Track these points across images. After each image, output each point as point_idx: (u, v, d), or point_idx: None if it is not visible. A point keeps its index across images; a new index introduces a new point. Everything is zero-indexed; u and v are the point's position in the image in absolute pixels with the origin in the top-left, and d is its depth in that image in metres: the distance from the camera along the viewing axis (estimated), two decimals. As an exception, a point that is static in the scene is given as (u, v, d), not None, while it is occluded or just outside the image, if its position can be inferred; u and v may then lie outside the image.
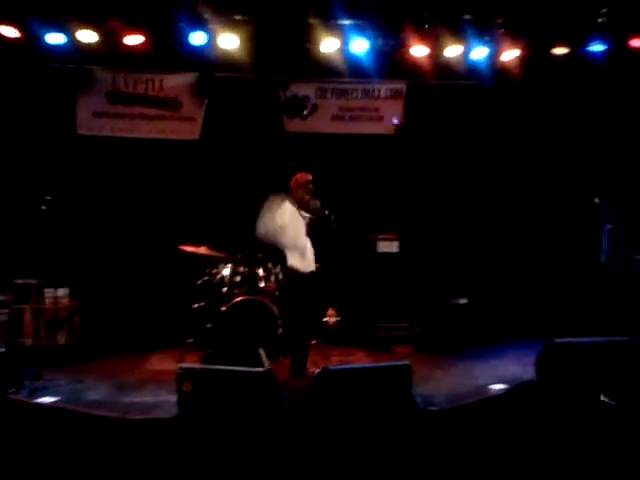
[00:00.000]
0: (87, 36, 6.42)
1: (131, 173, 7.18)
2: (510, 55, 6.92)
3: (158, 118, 7.17)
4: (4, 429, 3.97)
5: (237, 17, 6.57)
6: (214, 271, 6.26)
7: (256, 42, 6.72)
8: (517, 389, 3.99)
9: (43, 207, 5.74)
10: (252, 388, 3.78)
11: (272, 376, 3.83)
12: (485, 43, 6.82)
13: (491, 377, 5.33)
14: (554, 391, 3.71)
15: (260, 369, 3.96)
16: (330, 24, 6.63)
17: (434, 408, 4.36)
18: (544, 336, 4.22)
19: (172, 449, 3.73)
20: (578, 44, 6.83)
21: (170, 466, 3.66)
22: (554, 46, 6.85)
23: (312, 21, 6.64)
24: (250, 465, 3.58)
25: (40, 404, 4.63)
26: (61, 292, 6.36)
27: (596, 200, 6.42)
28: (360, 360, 6.13)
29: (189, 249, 6.22)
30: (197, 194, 7.21)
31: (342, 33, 6.67)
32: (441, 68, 7.11)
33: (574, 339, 4.01)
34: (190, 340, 6.16)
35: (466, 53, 6.89)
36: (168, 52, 6.82)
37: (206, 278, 6.27)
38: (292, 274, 5.46)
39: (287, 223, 5.38)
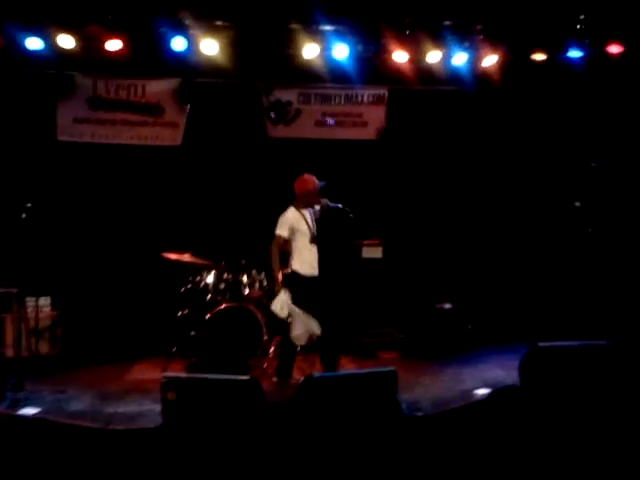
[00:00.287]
0: (67, 41, 6.38)
1: (113, 180, 7.12)
2: (490, 61, 7.00)
3: (140, 124, 7.12)
4: (-14, 442, 3.91)
5: (218, 23, 6.57)
6: (198, 279, 6.23)
7: (238, 48, 6.73)
8: (500, 393, 4.01)
9: (23, 215, 5.67)
10: (237, 396, 3.76)
11: (257, 384, 3.81)
12: (465, 49, 6.90)
13: (476, 382, 5.38)
14: (537, 395, 3.74)
15: (244, 377, 3.95)
16: (311, 30, 6.66)
17: (420, 413, 4.37)
18: (529, 340, 4.25)
19: (157, 459, 3.69)
20: (557, 50, 6.93)
21: (155, 476, 3.63)
22: (533, 52, 6.95)
23: (293, 27, 6.66)
24: (235, 474, 3.56)
25: (22, 416, 4.58)
26: (43, 301, 6.30)
27: (577, 204, 6.49)
28: (345, 366, 6.12)
29: (172, 256, 6.18)
30: (180, 201, 7.18)
31: (323, 39, 6.70)
32: (422, 74, 7.16)
33: (557, 343, 4.04)
34: (174, 348, 6.12)
35: (447, 59, 6.95)
36: (149, 58, 6.79)
37: (190, 286, 6.24)
38: (295, 278, 5.42)
39: (287, 235, 5.38)
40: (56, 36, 6.34)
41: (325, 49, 6.76)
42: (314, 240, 5.43)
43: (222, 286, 6.12)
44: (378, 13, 6.62)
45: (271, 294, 6.41)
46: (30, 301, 6.22)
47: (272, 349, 6.25)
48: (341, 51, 6.73)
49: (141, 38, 6.55)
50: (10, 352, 6.05)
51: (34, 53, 6.45)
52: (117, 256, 7.04)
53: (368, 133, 7.48)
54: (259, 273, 6.35)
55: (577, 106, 7.25)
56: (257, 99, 7.33)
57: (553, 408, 3.65)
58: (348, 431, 3.64)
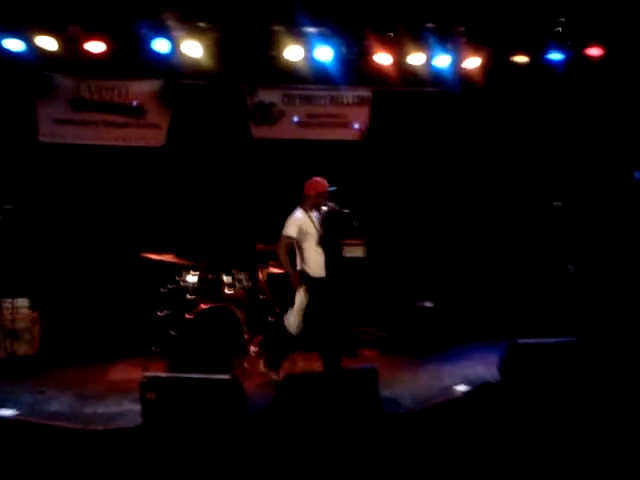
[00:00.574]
0: (47, 43, 6.35)
1: (94, 180, 7.07)
2: (472, 63, 7.06)
3: (123, 125, 7.10)
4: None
5: (201, 24, 6.57)
6: (179, 279, 6.20)
7: (221, 49, 6.75)
8: (480, 389, 4.03)
9: (0, 216, 5.63)
10: (217, 395, 3.74)
11: (237, 383, 3.80)
12: (448, 51, 6.94)
13: (457, 378, 5.39)
14: (516, 390, 3.76)
15: (225, 376, 3.93)
16: (294, 31, 6.69)
17: (401, 410, 4.37)
18: (508, 338, 4.27)
19: (136, 459, 3.66)
20: (537, 53, 7.00)
21: (135, 476, 3.60)
22: (514, 54, 7.01)
23: (277, 28, 6.68)
24: (216, 473, 3.53)
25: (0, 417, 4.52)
26: (20, 302, 6.23)
27: (556, 204, 6.56)
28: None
29: (153, 257, 6.15)
30: (162, 201, 7.14)
31: (306, 41, 6.72)
32: (406, 75, 7.19)
33: (535, 340, 4.07)
34: (155, 348, 6.08)
35: (430, 61, 7.00)
36: (132, 59, 6.78)
37: (171, 286, 6.20)
38: (304, 279, 5.38)
39: (296, 237, 5.35)
40: (37, 38, 6.31)
41: (309, 51, 6.78)
42: (320, 242, 5.39)
43: (203, 286, 6.10)
44: (361, 15, 6.66)
45: (254, 294, 6.42)
46: (7, 302, 6.15)
47: (253, 348, 6.24)
48: (325, 53, 6.76)
49: (124, 40, 6.55)
50: (-13, 354, 5.99)
51: (14, 54, 6.42)
52: (98, 256, 6.98)
53: (352, 134, 7.50)
54: (240, 272, 6.33)
55: (558, 108, 7.33)
56: (241, 100, 7.34)
57: (532, 403, 3.68)
58: (329, 429, 3.64)
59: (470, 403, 3.97)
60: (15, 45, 6.35)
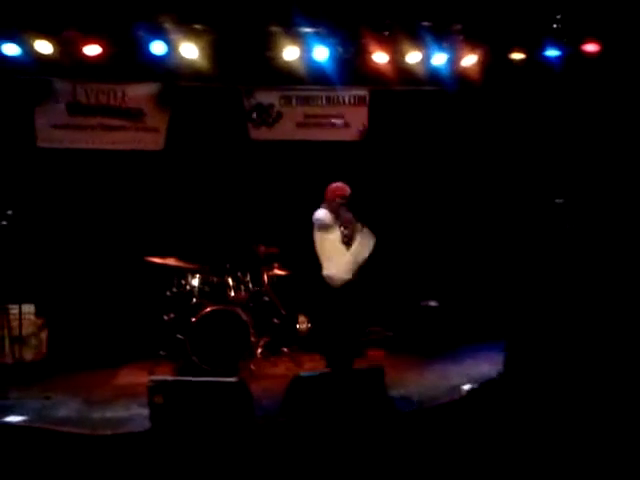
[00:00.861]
0: (44, 47, 6.34)
1: (95, 185, 7.06)
2: (469, 61, 7.06)
3: (121, 129, 7.08)
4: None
5: (198, 27, 6.57)
6: (183, 282, 6.21)
7: (218, 51, 6.73)
8: (484, 387, 4.06)
9: (4, 222, 5.62)
10: (224, 398, 3.76)
11: (244, 385, 3.81)
12: (444, 49, 6.95)
13: (463, 377, 5.42)
14: (521, 387, 3.78)
15: (232, 379, 3.95)
16: (291, 32, 6.69)
17: (408, 409, 4.39)
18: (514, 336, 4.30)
19: (145, 463, 3.66)
20: (534, 49, 7.00)
21: (144, 480, 3.60)
22: (512, 51, 7.02)
23: (273, 29, 6.68)
24: (224, 476, 3.54)
25: (7, 423, 4.52)
26: (26, 308, 6.22)
27: (558, 201, 6.58)
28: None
29: (157, 260, 6.16)
30: (163, 205, 7.13)
31: (303, 41, 6.72)
32: (403, 74, 7.19)
33: (539, 337, 4.10)
34: (161, 352, 6.09)
35: (426, 59, 7.00)
36: (129, 62, 6.77)
37: (175, 289, 6.22)
38: (326, 284, 5.26)
39: (322, 236, 5.29)
40: (33, 42, 6.30)
41: (305, 51, 6.78)
42: (344, 241, 5.27)
43: (207, 289, 6.12)
44: (357, 15, 6.66)
45: (258, 296, 6.42)
46: (14, 309, 6.13)
47: (259, 351, 6.26)
48: (321, 53, 6.76)
49: (120, 43, 6.53)
50: (-6, 360, 5.99)
51: (11, 59, 6.39)
52: (102, 261, 6.96)
53: (350, 134, 7.51)
54: (244, 275, 6.35)
55: (556, 104, 7.33)
56: (238, 102, 7.33)
57: (537, 400, 3.70)
58: (338, 430, 3.65)
59: (475, 400, 3.99)
60: (11, 49, 6.33)
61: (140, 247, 6.57)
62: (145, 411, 3.87)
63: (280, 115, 7.41)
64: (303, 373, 4.08)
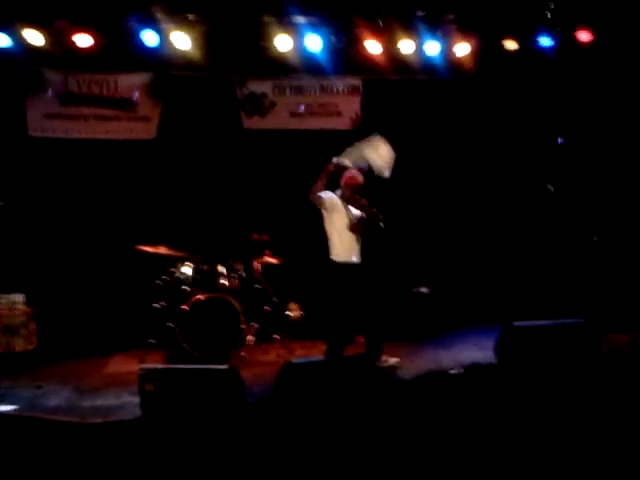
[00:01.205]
0: (35, 38, 6.31)
1: (87, 174, 7.03)
2: (463, 50, 7.04)
3: (113, 119, 7.06)
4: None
5: (190, 16, 6.54)
6: (174, 270, 6.20)
7: (211, 41, 6.71)
8: (474, 369, 4.05)
9: (-5, 212, 5.61)
10: (215, 385, 3.75)
11: (235, 372, 3.81)
12: (438, 38, 6.93)
13: (454, 363, 5.41)
14: (513, 373, 3.79)
15: (223, 367, 3.94)
16: (284, 22, 6.66)
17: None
18: (504, 321, 4.30)
19: (136, 451, 3.66)
20: (528, 38, 6.99)
21: (135, 469, 3.60)
22: (505, 40, 6.99)
23: (266, 19, 6.65)
24: (216, 464, 3.54)
25: (-2, 412, 4.52)
26: (16, 298, 6.20)
27: (549, 187, 6.59)
28: (324, 353, 6.13)
29: (147, 249, 6.14)
30: (155, 194, 7.11)
31: (296, 30, 6.70)
32: (396, 63, 7.16)
33: (531, 322, 4.11)
34: (152, 340, 6.07)
35: (420, 48, 6.97)
36: (121, 52, 6.74)
37: (166, 277, 6.20)
38: (330, 265, 5.30)
39: (326, 203, 5.24)
40: (24, 32, 6.27)
41: (298, 41, 6.75)
42: (352, 227, 5.28)
43: (198, 277, 6.11)
44: (350, 4, 6.64)
45: (250, 283, 6.42)
46: (3, 298, 6.12)
47: (251, 338, 6.26)
48: (314, 42, 6.74)
49: (112, 33, 6.51)
50: (-16, 350, 5.97)
51: (2, 50, 6.37)
52: (92, 250, 6.94)
53: (343, 123, 7.48)
54: (236, 263, 6.34)
55: (549, 92, 7.33)
56: (231, 92, 7.30)
57: (528, 385, 3.71)
58: (329, 416, 3.65)
59: (465, 383, 3.99)
60: (2, 40, 6.31)
61: (131, 235, 6.54)
62: (136, 399, 3.85)
63: (273, 104, 7.38)
64: (294, 360, 4.07)
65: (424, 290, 7.00)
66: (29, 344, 6.12)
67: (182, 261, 6.20)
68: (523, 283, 7.14)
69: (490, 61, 7.21)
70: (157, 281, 6.18)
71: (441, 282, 7.18)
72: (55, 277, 6.80)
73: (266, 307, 6.44)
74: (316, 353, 6.14)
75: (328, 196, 5.23)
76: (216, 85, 7.30)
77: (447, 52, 7.06)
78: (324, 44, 6.79)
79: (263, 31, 6.72)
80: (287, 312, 6.81)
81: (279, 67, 7.16)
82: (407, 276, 7.17)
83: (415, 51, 6.99)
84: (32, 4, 6.21)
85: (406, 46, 6.92)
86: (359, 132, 7.46)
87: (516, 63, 7.19)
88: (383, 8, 6.74)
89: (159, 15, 6.41)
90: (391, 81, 7.48)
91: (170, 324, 5.96)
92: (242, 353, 5.98)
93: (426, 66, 7.22)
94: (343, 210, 5.31)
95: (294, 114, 7.43)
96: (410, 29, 6.83)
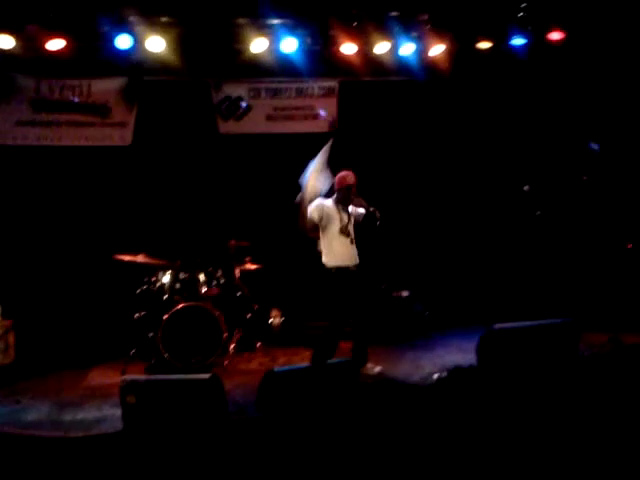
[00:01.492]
0: (6, 42, 6.18)
1: (61, 182, 6.93)
2: (437, 50, 7.07)
3: (87, 125, 6.96)
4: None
5: (163, 19, 6.46)
6: (153, 279, 6.15)
7: (185, 44, 6.64)
8: (457, 373, 4.09)
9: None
10: (197, 395, 3.73)
11: (217, 382, 3.78)
12: (412, 39, 6.95)
13: (436, 366, 5.46)
14: (494, 374, 3.82)
15: (205, 376, 3.91)
16: (259, 24, 6.63)
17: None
18: (485, 323, 4.33)
19: (118, 464, 3.63)
20: (501, 38, 7.05)
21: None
22: (478, 40, 7.06)
23: (240, 21, 6.61)
24: (199, 474, 3.52)
25: (-25, 429, 4.43)
26: (-8, 311, 6.10)
27: (525, 188, 6.66)
28: (307, 359, 6.11)
29: (126, 258, 6.08)
30: (132, 201, 7.04)
31: (271, 33, 6.66)
32: (372, 65, 7.19)
33: (512, 324, 4.14)
34: (132, 351, 6.01)
35: (395, 49, 7.00)
36: (94, 57, 6.63)
37: (145, 287, 6.15)
38: (323, 269, 5.38)
39: (317, 220, 5.32)
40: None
41: (273, 43, 6.72)
42: (344, 231, 5.38)
43: (178, 286, 6.05)
44: (325, 5, 6.62)
45: (230, 291, 6.40)
46: (-21, 311, 6.03)
47: (232, 346, 6.23)
48: (290, 44, 6.72)
49: (84, 37, 6.39)
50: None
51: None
52: (69, 261, 6.85)
53: (320, 126, 7.48)
54: (216, 270, 6.30)
55: (523, 92, 7.40)
56: (207, 95, 7.25)
57: (510, 387, 3.74)
58: (312, 425, 3.65)
59: (448, 387, 4.02)
60: (-29, 46, 6.18)
61: (109, 245, 6.46)
62: (118, 411, 3.81)
63: (249, 108, 7.35)
64: (276, 368, 4.05)
65: (405, 294, 7.02)
66: (6, 358, 6.02)
67: (161, 270, 6.14)
68: (502, 285, 7.21)
69: (464, 61, 7.27)
70: (137, 291, 6.13)
71: (421, 285, 7.22)
72: (33, 289, 6.69)
73: (247, 314, 6.42)
74: (298, 360, 6.14)
75: (319, 209, 5.30)
76: (191, 89, 7.24)
77: (422, 53, 7.09)
78: (299, 46, 6.77)
79: (238, 33, 6.68)
80: (269, 319, 6.80)
81: (254, 70, 7.12)
82: (387, 280, 7.20)
83: (390, 52, 7.01)
84: (2, 8, 6.08)
85: (381, 47, 6.93)
86: (336, 134, 7.52)
87: (490, 63, 7.26)
88: (357, 9, 6.73)
89: (132, 18, 6.32)
90: (367, 82, 7.49)
91: (151, 334, 5.90)
92: (224, 362, 5.95)
93: (401, 67, 7.26)
94: (335, 215, 5.38)
95: (270, 117, 7.40)
96: (385, 30, 6.84)
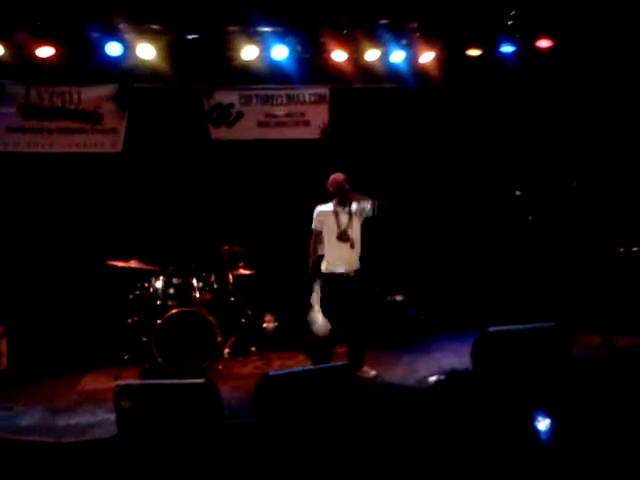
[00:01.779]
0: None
1: (53, 189, 6.92)
2: (427, 57, 7.14)
3: (78, 132, 6.94)
4: None
5: (154, 26, 6.49)
6: (146, 284, 6.14)
7: (175, 51, 6.67)
8: (453, 377, 4.11)
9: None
10: (192, 400, 3.72)
11: (212, 386, 3.77)
12: (402, 47, 7.02)
13: (431, 370, 5.48)
14: (489, 378, 3.84)
15: (200, 380, 3.90)
16: (249, 31, 6.67)
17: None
18: (480, 327, 4.36)
19: (113, 470, 3.61)
20: (490, 46, 7.13)
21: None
22: (468, 48, 7.13)
23: (231, 29, 6.65)
24: (193, 479, 3.51)
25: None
26: (-17, 317, 6.05)
27: (517, 193, 6.73)
28: (301, 363, 6.13)
29: (119, 264, 6.07)
30: (124, 208, 7.03)
31: (262, 40, 6.71)
32: (363, 72, 7.23)
33: (507, 327, 4.17)
34: (126, 356, 6.00)
35: (385, 57, 7.05)
36: (84, 64, 6.65)
37: (138, 292, 6.14)
38: (321, 275, 5.44)
39: (319, 229, 5.42)
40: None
41: (264, 50, 6.76)
42: (342, 237, 5.41)
43: (172, 291, 6.05)
44: (315, 13, 6.67)
45: (224, 296, 6.40)
46: (-30, 318, 5.97)
47: (227, 351, 6.22)
48: (280, 52, 6.76)
49: (74, 44, 6.40)
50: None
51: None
52: (62, 266, 6.82)
53: (311, 132, 7.51)
54: (209, 275, 6.30)
55: (512, 98, 7.49)
56: (198, 102, 7.26)
57: (504, 389, 3.77)
58: (309, 429, 3.65)
59: (444, 391, 4.04)
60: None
61: (101, 251, 6.45)
62: (112, 416, 3.80)
63: (240, 114, 7.36)
64: (271, 372, 4.05)
65: (399, 298, 7.04)
66: (0, 365, 5.97)
67: (155, 275, 6.14)
68: (497, 288, 7.26)
69: (454, 68, 7.33)
70: (130, 296, 6.11)
71: (416, 289, 7.24)
72: (26, 295, 6.66)
73: (241, 319, 6.42)
74: (293, 364, 6.15)
75: (317, 220, 5.41)
76: (182, 96, 7.25)
77: (412, 60, 7.16)
78: (290, 53, 6.81)
79: (229, 41, 6.71)
80: (263, 323, 6.80)
81: (245, 77, 7.16)
82: (382, 284, 7.22)
83: (380, 59, 7.07)
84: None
85: (371, 54, 6.99)
86: (328, 141, 7.57)
87: (479, 70, 7.33)
88: (347, 17, 6.79)
89: (122, 25, 6.34)
90: (358, 89, 7.54)
91: (144, 339, 5.89)
92: (219, 366, 5.94)
93: (392, 74, 7.30)
94: (332, 221, 5.41)
95: (262, 124, 7.43)
96: (375, 37, 6.90)
